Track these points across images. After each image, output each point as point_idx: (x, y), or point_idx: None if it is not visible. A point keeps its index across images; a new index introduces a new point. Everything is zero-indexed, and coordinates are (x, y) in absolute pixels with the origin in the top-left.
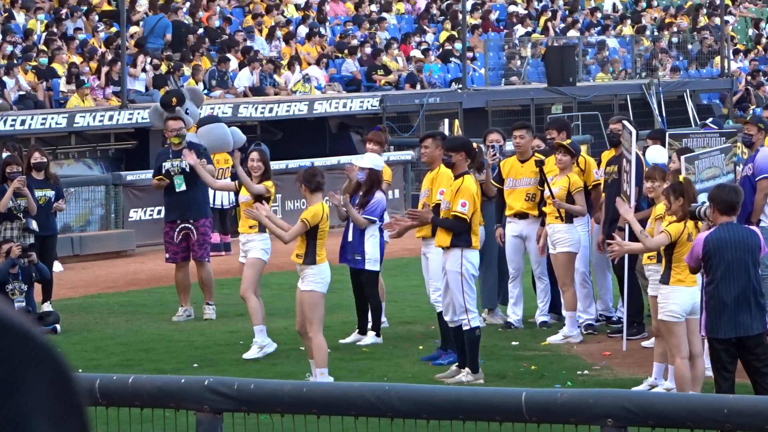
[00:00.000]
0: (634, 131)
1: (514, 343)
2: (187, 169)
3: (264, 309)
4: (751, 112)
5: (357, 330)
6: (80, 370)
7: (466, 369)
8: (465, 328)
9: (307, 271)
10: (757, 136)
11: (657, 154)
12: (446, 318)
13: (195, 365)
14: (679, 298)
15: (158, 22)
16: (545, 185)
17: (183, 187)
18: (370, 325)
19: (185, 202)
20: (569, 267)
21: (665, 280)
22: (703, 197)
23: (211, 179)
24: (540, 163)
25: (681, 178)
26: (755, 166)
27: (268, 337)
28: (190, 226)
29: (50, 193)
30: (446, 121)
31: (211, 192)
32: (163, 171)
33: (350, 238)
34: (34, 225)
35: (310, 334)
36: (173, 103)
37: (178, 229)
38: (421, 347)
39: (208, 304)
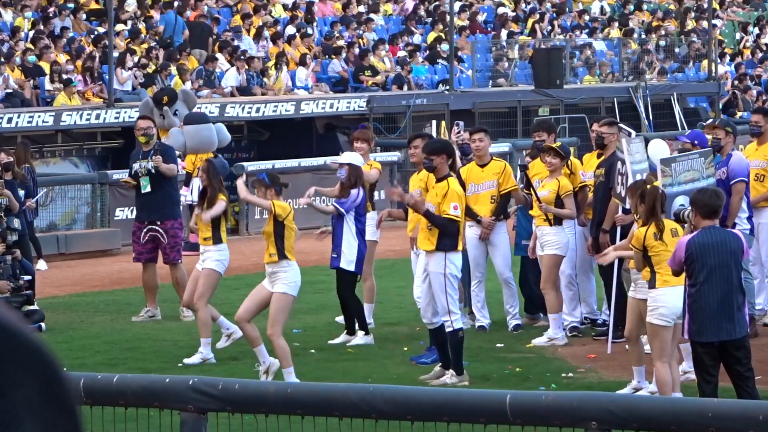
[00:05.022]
0: (633, 132)
1: (498, 345)
2: (153, 171)
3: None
4: (739, 116)
5: (345, 331)
6: (64, 369)
7: (451, 371)
8: (448, 329)
9: (281, 274)
10: (725, 139)
11: (659, 149)
12: (424, 320)
13: (180, 364)
14: (668, 300)
15: (177, 19)
16: (531, 189)
17: (148, 189)
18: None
19: (151, 203)
20: (554, 269)
21: (652, 284)
22: (681, 200)
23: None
24: (524, 167)
25: (648, 185)
26: (729, 169)
27: (212, 352)
28: (157, 228)
29: (20, 192)
30: (433, 122)
31: (188, 190)
32: (132, 172)
33: (333, 241)
34: (16, 223)
35: (272, 337)
36: (164, 102)
37: (145, 230)
38: (406, 348)
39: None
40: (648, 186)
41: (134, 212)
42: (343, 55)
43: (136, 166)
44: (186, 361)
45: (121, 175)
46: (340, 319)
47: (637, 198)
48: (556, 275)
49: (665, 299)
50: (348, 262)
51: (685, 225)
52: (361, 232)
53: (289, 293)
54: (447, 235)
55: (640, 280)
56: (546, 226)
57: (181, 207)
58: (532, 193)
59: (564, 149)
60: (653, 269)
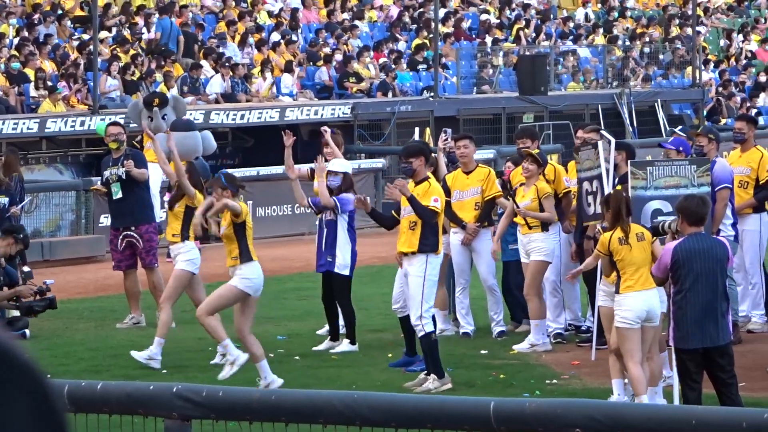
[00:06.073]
0: (612, 140)
1: (483, 351)
2: (124, 177)
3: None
4: (723, 123)
5: (329, 337)
6: (49, 376)
7: (432, 375)
8: (420, 333)
9: (238, 271)
10: (708, 146)
11: None
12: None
13: (164, 371)
14: (630, 304)
15: (172, 26)
16: (512, 196)
17: (119, 195)
18: (343, 331)
19: (124, 209)
20: (538, 276)
21: (617, 289)
22: (656, 204)
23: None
24: (500, 174)
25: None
26: (713, 176)
27: (160, 354)
28: (133, 233)
29: (3, 199)
30: (417, 129)
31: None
32: (103, 180)
33: (323, 244)
34: None
35: (199, 318)
36: (155, 104)
37: (121, 237)
38: (390, 355)
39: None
40: (612, 192)
41: None
42: (333, 63)
43: (106, 173)
44: (134, 353)
45: None
46: (322, 331)
47: (603, 204)
48: (541, 281)
49: (628, 303)
50: (343, 266)
51: (665, 237)
52: (352, 236)
53: (239, 287)
54: (431, 234)
55: (608, 288)
56: (533, 233)
57: (156, 211)
58: (511, 199)
59: (542, 156)
60: (618, 273)
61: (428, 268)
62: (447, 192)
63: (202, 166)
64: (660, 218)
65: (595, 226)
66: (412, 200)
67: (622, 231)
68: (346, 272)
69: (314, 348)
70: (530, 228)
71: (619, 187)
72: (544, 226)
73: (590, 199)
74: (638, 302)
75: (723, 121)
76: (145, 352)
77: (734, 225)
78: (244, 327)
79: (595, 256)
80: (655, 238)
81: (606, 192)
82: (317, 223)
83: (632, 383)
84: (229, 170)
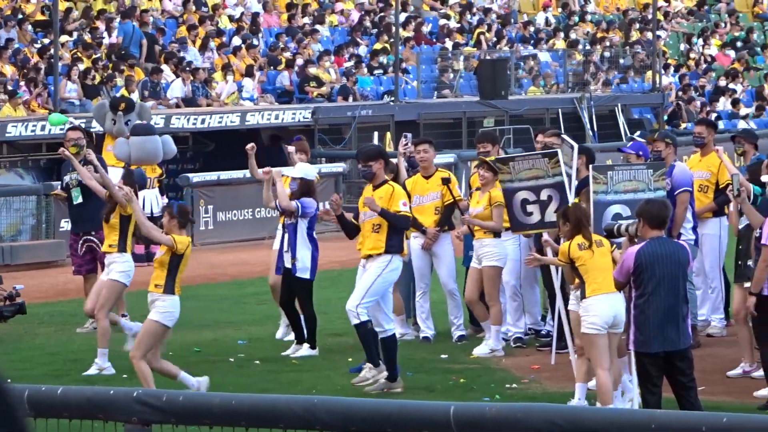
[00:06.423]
0: (575, 145)
1: (443, 356)
2: (84, 182)
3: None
4: (684, 127)
5: (296, 341)
6: (9, 381)
7: (368, 364)
8: (354, 321)
9: (159, 303)
10: (666, 151)
11: None
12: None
13: (124, 376)
14: (598, 309)
15: (134, 30)
16: (456, 203)
17: (80, 200)
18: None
19: (84, 214)
20: (496, 281)
21: (583, 294)
22: (616, 208)
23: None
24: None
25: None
26: (673, 180)
27: (109, 361)
28: (92, 238)
29: None
30: (376, 134)
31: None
32: (63, 184)
33: (285, 247)
34: None
35: (132, 359)
36: (120, 108)
37: (81, 242)
38: (350, 359)
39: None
40: (570, 206)
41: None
42: (296, 68)
43: (66, 178)
44: (84, 373)
45: None
46: (280, 335)
47: (561, 217)
48: (499, 286)
49: (596, 308)
50: (303, 270)
51: (621, 239)
52: (313, 239)
53: (161, 322)
54: (396, 235)
55: (576, 292)
56: (484, 238)
57: None
58: (456, 202)
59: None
60: (581, 278)
61: (389, 267)
62: (407, 197)
63: (139, 174)
64: (612, 222)
65: (543, 234)
66: (384, 214)
67: (584, 238)
68: (306, 275)
69: (282, 353)
70: (476, 235)
71: (576, 200)
72: (496, 232)
73: (531, 208)
74: (605, 307)
75: (683, 125)
76: (92, 368)
77: (694, 229)
78: (152, 357)
79: (558, 261)
80: (613, 246)
81: (570, 200)
82: (279, 227)
83: (599, 391)
84: (190, 174)
